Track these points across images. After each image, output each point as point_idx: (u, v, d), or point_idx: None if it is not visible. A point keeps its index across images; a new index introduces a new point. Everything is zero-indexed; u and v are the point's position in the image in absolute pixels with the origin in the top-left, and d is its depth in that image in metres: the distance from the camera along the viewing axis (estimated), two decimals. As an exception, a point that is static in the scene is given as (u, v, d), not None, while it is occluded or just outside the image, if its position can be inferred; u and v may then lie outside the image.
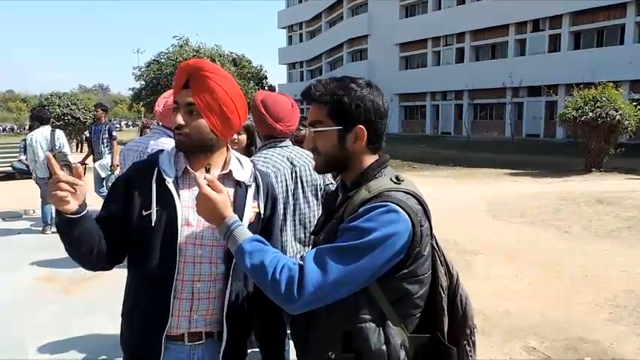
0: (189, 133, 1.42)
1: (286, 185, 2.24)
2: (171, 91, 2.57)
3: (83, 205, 1.31)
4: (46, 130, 6.96)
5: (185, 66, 1.43)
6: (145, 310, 1.44)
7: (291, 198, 2.26)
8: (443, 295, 1.33)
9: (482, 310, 4.23)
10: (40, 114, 7.31)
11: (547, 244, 6.49)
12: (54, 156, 1.24)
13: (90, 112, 17.42)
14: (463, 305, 1.38)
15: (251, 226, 1.49)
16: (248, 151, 2.85)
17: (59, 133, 7.01)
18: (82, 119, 18.82)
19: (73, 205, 1.27)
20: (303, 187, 2.29)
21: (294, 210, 2.28)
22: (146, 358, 1.45)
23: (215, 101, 1.42)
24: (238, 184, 1.52)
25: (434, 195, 8.97)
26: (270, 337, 1.64)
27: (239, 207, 1.48)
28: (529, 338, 3.80)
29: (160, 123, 2.82)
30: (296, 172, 2.27)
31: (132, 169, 1.54)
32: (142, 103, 28.36)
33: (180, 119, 1.41)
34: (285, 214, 2.24)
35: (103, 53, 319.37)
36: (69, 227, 1.30)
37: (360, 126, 1.31)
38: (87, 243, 1.35)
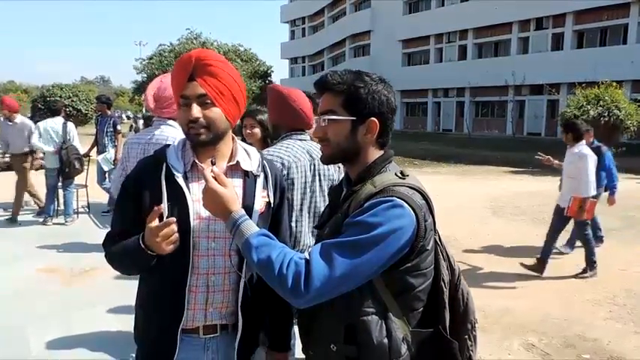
0: (208, 125, 1.40)
1: (305, 177, 2.27)
2: (155, 83, 2.50)
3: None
4: (58, 121, 6.98)
5: (188, 58, 1.40)
6: (161, 304, 1.44)
7: (308, 190, 2.30)
8: (445, 289, 1.34)
9: (481, 307, 4.24)
10: (52, 105, 7.47)
11: (547, 243, 6.49)
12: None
13: (92, 103, 17.45)
14: (464, 300, 1.39)
15: (262, 216, 1.49)
16: (264, 143, 2.83)
17: (71, 126, 7.02)
18: (83, 111, 18.83)
19: (170, 248, 1.34)
20: (320, 180, 2.33)
21: (310, 203, 2.31)
22: (161, 351, 1.45)
23: (225, 87, 1.41)
24: (247, 175, 1.51)
25: (435, 192, 8.86)
26: (277, 327, 1.65)
27: (249, 197, 1.48)
28: (528, 335, 3.82)
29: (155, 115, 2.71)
30: (314, 165, 2.30)
31: (139, 166, 1.53)
32: (143, 96, 28.35)
33: (197, 112, 1.38)
34: (301, 204, 2.27)
35: (105, 45, 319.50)
36: (149, 260, 1.38)
37: (374, 118, 1.33)
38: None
